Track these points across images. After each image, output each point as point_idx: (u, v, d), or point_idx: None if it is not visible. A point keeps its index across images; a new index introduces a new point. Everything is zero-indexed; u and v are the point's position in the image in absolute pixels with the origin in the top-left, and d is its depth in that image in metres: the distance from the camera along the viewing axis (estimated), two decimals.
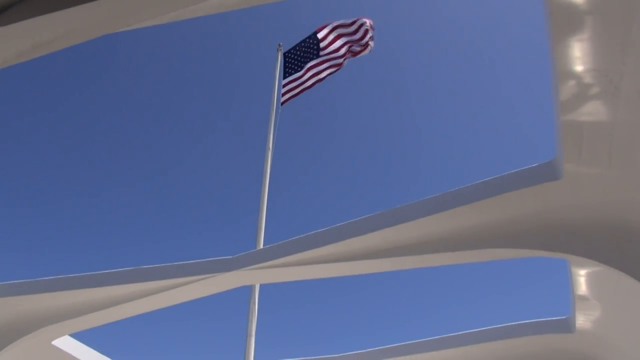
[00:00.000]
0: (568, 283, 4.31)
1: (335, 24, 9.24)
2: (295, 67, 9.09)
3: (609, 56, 2.53)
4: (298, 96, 9.09)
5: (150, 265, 3.77)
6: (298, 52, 9.27)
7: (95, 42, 2.67)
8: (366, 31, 9.06)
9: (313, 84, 9.04)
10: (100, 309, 3.55)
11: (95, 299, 3.58)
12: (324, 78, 9.05)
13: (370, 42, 9.07)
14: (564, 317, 4.85)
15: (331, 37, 9.12)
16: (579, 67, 2.60)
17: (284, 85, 9.08)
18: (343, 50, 9.03)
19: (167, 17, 2.81)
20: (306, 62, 9.06)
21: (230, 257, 3.99)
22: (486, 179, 3.68)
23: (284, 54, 9.46)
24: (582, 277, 4.10)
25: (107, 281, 3.58)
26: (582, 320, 4.56)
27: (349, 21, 9.22)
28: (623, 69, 2.54)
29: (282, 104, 9.13)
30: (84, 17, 2.42)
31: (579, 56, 2.54)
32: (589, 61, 2.56)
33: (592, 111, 2.81)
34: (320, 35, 9.18)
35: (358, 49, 9.04)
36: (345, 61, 9.08)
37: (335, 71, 9.04)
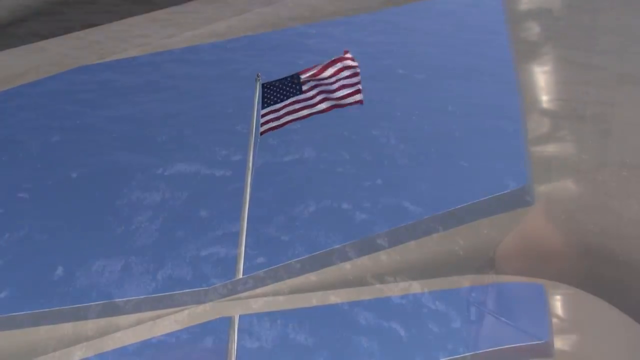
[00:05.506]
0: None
1: (318, 70, 9.20)
2: (275, 99, 9.11)
3: (571, 86, 2.62)
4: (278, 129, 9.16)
5: (120, 299, 3.65)
6: (278, 86, 9.28)
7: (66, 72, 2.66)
8: (345, 85, 9.15)
9: (293, 120, 9.10)
10: (65, 347, 3.39)
11: (60, 336, 3.43)
12: (304, 117, 9.12)
13: (353, 93, 9.15)
14: (542, 342, 4.86)
15: (312, 85, 9.17)
16: (543, 97, 2.68)
17: (263, 116, 9.12)
18: (320, 99, 9.12)
19: (141, 49, 2.83)
20: (286, 97, 9.10)
21: (206, 288, 3.91)
22: (460, 206, 3.72)
23: (263, 84, 9.52)
24: (557, 302, 4.14)
25: (73, 317, 3.44)
26: (559, 344, 4.58)
27: (330, 72, 9.16)
28: (586, 98, 2.63)
29: (262, 134, 9.19)
30: (56, 50, 2.42)
31: (542, 86, 2.62)
32: (552, 91, 2.65)
33: (559, 139, 2.89)
34: (302, 77, 9.26)
35: (334, 102, 9.13)
36: (327, 107, 9.15)
37: (315, 113, 9.13)
